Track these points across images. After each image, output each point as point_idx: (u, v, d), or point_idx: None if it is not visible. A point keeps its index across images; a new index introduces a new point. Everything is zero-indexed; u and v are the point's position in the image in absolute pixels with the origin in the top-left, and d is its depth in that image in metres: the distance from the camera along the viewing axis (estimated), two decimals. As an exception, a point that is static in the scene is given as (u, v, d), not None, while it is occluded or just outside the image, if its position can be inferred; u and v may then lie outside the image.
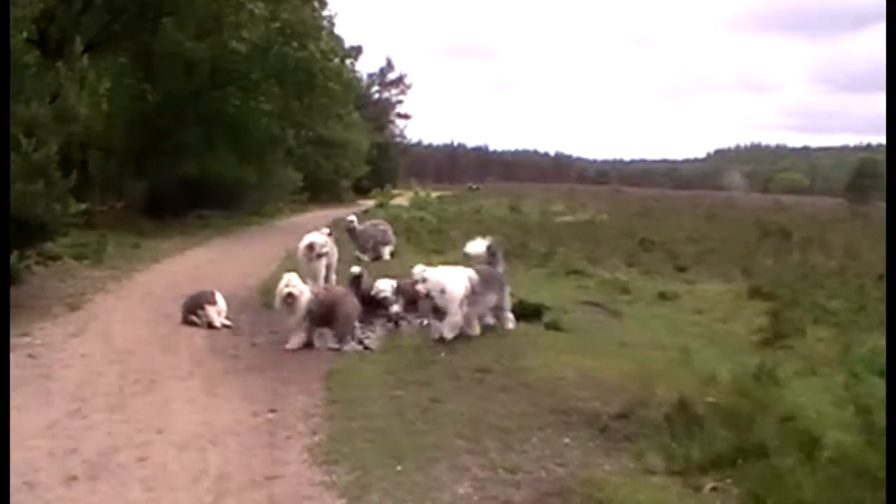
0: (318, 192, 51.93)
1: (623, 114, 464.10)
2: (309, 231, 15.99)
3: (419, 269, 11.11)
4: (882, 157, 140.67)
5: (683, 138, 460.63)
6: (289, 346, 10.58)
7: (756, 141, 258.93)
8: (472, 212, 42.18)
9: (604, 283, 16.86)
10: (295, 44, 29.19)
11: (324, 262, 15.03)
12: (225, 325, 12.36)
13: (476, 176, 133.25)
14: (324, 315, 10.64)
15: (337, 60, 32.07)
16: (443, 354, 10.18)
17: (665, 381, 8.65)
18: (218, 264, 19.76)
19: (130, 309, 13.53)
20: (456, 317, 10.60)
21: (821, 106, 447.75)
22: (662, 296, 15.73)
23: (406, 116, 79.69)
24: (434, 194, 62.89)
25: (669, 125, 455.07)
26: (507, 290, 11.79)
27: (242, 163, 32.35)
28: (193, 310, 12.54)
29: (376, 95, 75.75)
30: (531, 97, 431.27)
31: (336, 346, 10.60)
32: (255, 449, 6.94)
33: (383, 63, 76.20)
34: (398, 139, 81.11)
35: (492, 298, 11.26)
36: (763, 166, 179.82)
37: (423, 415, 7.80)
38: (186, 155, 28.55)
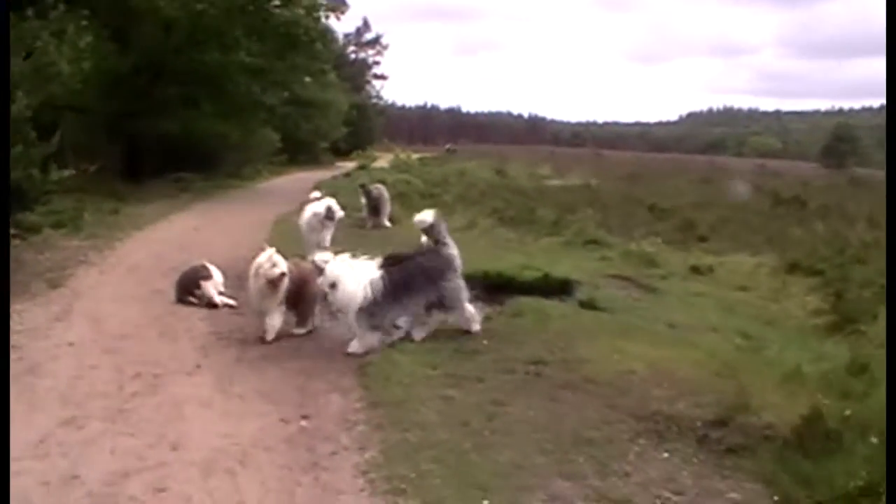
0: (296, 153, 50.45)
1: (597, 76, 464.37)
2: (293, 194, 14.78)
3: (320, 258, 9.18)
4: (858, 122, 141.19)
5: (656, 101, 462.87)
6: (268, 336, 9.21)
7: (728, 104, 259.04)
8: (457, 174, 40.77)
9: (627, 255, 15.66)
10: (276, 1, 27.74)
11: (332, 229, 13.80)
12: (227, 305, 10.98)
13: (449, 138, 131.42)
14: (291, 295, 9.31)
15: (321, 16, 30.44)
16: (486, 342, 8.93)
17: (745, 376, 7.44)
18: (205, 232, 18.39)
19: (117, 285, 12.20)
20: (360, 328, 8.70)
21: (792, 70, 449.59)
22: (695, 270, 14.57)
23: (383, 77, 77.94)
24: (414, 156, 61.46)
25: (642, 88, 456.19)
26: (457, 276, 9.18)
27: (223, 121, 30.69)
28: (189, 288, 11.22)
29: (353, 56, 73.81)
30: (505, 59, 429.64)
31: (301, 330, 9.50)
32: (296, 471, 5.68)
33: (359, 23, 74.44)
34: (375, 100, 79.26)
35: (417, 300, 8.97)
36: (736, 129, 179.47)
37: (490, 422, 6.56)
38: (165, 114, 26.90)
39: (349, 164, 52.53)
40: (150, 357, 8.40)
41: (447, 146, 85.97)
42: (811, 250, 16.82)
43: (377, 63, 75.77)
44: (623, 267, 14.63)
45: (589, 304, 11.30)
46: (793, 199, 26.72)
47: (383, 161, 53.89)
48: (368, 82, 75.31)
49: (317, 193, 16.48)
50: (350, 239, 14.67)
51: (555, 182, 37.15)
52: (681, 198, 28.13)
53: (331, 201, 14.26)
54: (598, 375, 7.79)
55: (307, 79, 35.37)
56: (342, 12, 32.62)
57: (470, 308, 9.23)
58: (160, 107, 27.02)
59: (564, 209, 23.15)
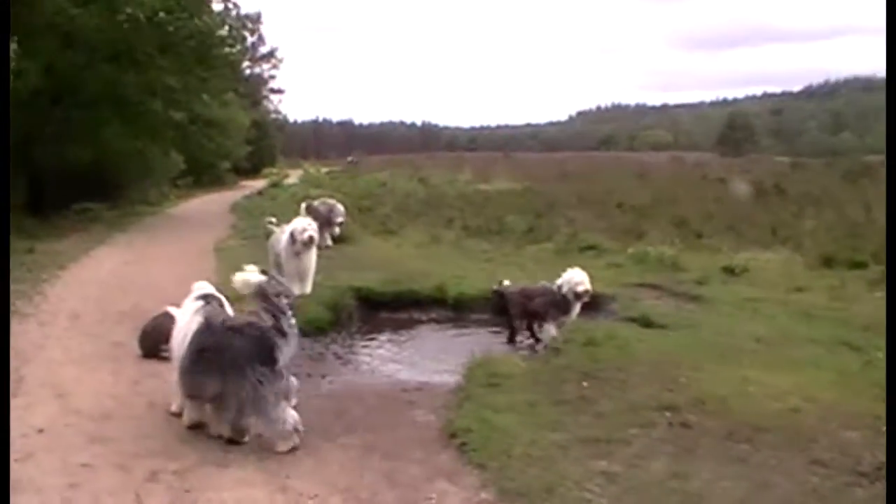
0: (199, 175, 47.53)
1: (485, 81, 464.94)
2: (213, 218, 12.78)
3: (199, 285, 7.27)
4: (745, 110, 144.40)
5: (545, 102, 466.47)
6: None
7: (616, 101, 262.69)
8: (378, 186, 38.83)
9: (642, 260, 14.03)
10: (185, 14, 25.31)
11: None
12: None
13: (344, 151, 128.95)
14: None
15: (231, 29, 28.19)
16: (585, 384, 7.09)
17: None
18: (139, 267, 16.04)
19: (67, 340, 9.92)
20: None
21: (675, 64, 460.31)
22: (729, 271, 13.06)
23: (280, 91, 74.65)
24: (323, 170, 59.16)
25: (530, 90, 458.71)
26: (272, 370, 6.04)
27: (137, 143, 28.07)
28: (157, 341, 9.01)
29: (248, 71, 70.71)
30: (394, 69, 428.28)
31: None
32: None
33: (254, 38, 71.19)
34: (274, 115, 76.30)
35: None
36: (626, 125, 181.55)
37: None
38: (72, 139, 24.13)
39: (255, 184, 49.89)
40: (156, 444, 6.27)
41: (349, 158, 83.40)
42: (835, 241, 15.52)
43: (273, 77, 72.72)
44: (642, 274, 13.00)
45: (644, 322, 9.70)
46: (773, 189, 25.61)
47: (293, 178, 51.41)
48: (266, 97, 72.19)
49: (272, 219, 14.43)
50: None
51: (486, 187, 35.41)
52: (638, 195, 26.73)
53: (308, 221, 12.11)
54: (758, 419, 6.15)
55: (228, 95, 32.78)
56: (256, 26, 30.18)
57: (284, 416, 6.12)
58: (65, 131, 24.27)
59: (532, 215, 21.42)
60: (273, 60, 71.33)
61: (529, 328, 9.99)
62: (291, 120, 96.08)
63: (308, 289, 11.66)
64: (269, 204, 30.61)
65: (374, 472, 5.61)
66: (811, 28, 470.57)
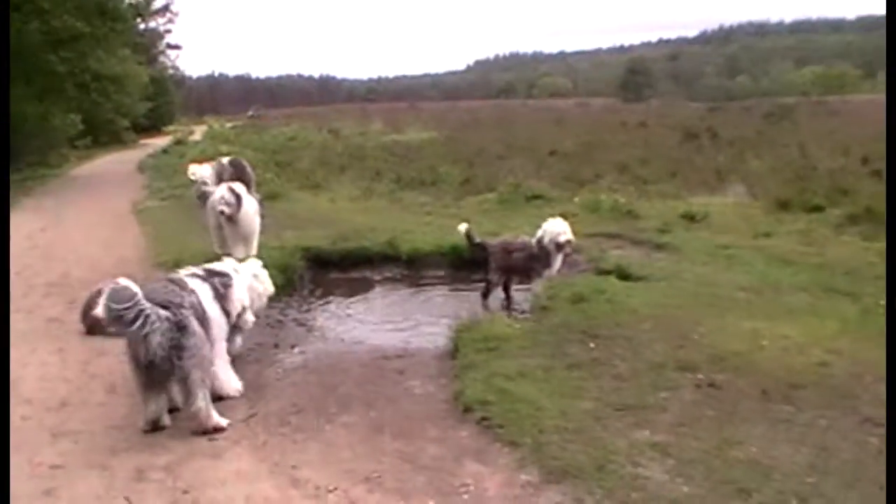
0: (97, 134, 45.40)
1: (380, 31, 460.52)
2: (121, 178, 12.03)
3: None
4: (646, 55, 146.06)
5: (442, 51, 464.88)
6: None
7: (514, 49, 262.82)
8: (288, 139, 37.74)
9: (595, 209, 13.61)
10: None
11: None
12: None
13: (241, 105, 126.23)
14: None
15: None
16: (592, 346, 6.61)
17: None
18: (58, 233, 14.95)
19: (-5, 317, 8.96)
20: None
21: (571, 12, 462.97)
22: (689, 217, 12.71)
23: (177, 47, 71.41)
24: (227, 125, 57.36)
25: (427, 39, 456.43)
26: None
27: (42, 101, 26.40)
28: (100, 318, 8.16)
29: (142, 25, 67.48)
30: (289, 21, 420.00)
31: None
32: None
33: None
34: (172, 71, 73.39)
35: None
36: (524, 73, 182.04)
37: (762, 479, 4.30)
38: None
39: (157, 142, 48.07)
40: (132, 435, 5.56)
41: (250, 113, 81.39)
42: (786, 184, 15.37)
43: (169, 32, 69.72)
44: (598, 223, 12.57)
45: (620, 274, 9.27)
46: (705, 131, 25.45)
47: (196, 135, 49.66)
48: (162, 53, 69.20)
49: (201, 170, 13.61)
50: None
51: (402, 137, 34.65)
52: (566, 141, 26.34)
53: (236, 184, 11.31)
54: (788, 376, 5.85)
55: (124, 50, 31.03)
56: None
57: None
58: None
59: (463, 165, 20.83)
60: (168, 14, 68.53)
61: (506, 285, 9.45)
62: (187, 75, 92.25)
63: (253, 251, 10.91)
64: (178, 161, 29.34)
65: (391, 456, 5.03)
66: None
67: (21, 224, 15.86)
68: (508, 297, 9.49)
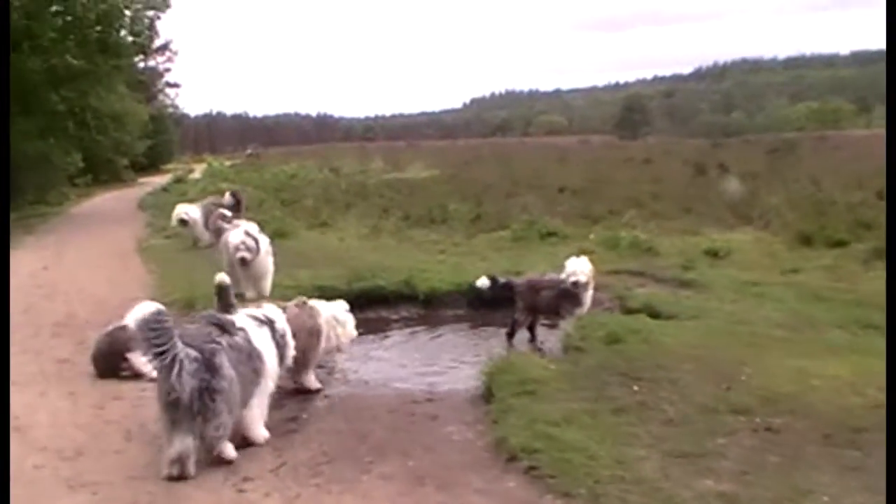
0: (97, 172, 45.15)
1: (376, 70, 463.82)
2: (123, 215, 11.81)
3: None
4: (642, 92, 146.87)
5: (438, 90, 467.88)
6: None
7: (510, 87, 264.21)
8: (289, 177, 37.49)
9: (614, 245, 13.36)
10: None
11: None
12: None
13: (238, 144, 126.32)
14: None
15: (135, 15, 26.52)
16: (636, 388, 6.30)
17: None
18: (61, 272, 14.62)
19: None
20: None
21: (566, 49, 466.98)
22: (712, 254, 12.45)
23: (176, 85, 71.41)
24: (227, 163, 57.23)
25: (423, 78, 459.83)
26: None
27: (44, 138, 26.15)
28: (115, 361, 7.90)
29: (142, 63, 67.42)
30: (285, 61, 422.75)
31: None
32: None
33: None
34: (171, 110, 73.30)
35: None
36: (520, 111, 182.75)
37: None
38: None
39: (155, 180, 47.80)
40: (156, 488, 5.21)
41: (248, 151, 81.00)
42: (805, 219, 15.11)
43: (168, 70, 69.74)
44: (618, 260, 12.30)
45: (650, 312, 8.97)
46: (716, 167, 25.26)
47: (196, 173, 49.48)
48: (162, 91, 69.18)
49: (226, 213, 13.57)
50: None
51: (406, 175, 34.44)
52: (571, 179, 26.11)
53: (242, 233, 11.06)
54: (848, 418, 5.61)
55: (122, 88, 30.87)
56: (163, 10, 28.37)
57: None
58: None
59: (472, 203, 20.55)
60: (168, 53, 68.55)
61: (531, 325, 9.14)
62: (186, 114, 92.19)
63: (267, 291, 10.63)
64: (179, 199, 29.06)
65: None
66: (698, 10, 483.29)
67: (23, 262, 15.54)
68: (533, 337, 9.17)
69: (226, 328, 5.60)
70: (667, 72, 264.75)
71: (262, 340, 5.81)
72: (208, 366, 5.19)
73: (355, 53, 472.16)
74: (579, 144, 59.45)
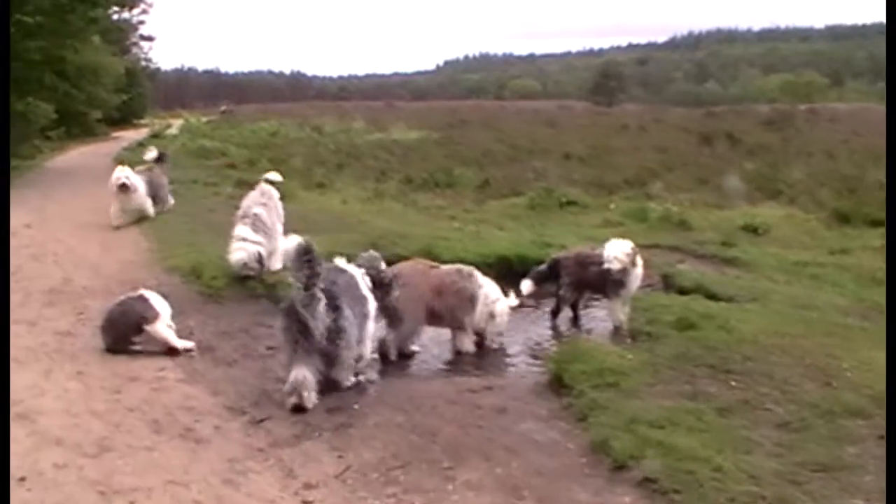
0: (69, 126, 43.78)
1: (353, 31, 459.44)
2: (103, 172, 11.19)
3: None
4: (616, 59, 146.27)
5: (413, 51, 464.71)
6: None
7: (484, 51, 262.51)
8: (269, 135, 36.56)
9: (643, 218, 12.68)
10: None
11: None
12: (187, 350, 7.07)
13: (209, 100, 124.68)
14: None
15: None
16: (733, 383, 5.62)
17: None
18: (47, 231, 13.65)
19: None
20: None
21: (541, 14, 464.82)
22: (751, 230, 11.77)
23: (150, 38, 69.29)
24: (203, 119, 56.00)
25: (397, 38, 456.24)
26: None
27: (19, 88, 24.96)
28: (127, 334, 7.15)
29: (116, 16, 65.23)
30: (259, 16, 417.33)
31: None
32: None
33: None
34: (145, 63, 71.40)
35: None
36: (494, 74, 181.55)
37: None
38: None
39: (129, 134, 46.61)
40: (201, 496, 4.48)
41: (223, 108, 79.64)
42: (837, 195, 14.53)
43: (142, 23, 67.73)
44: (651, 234, 11.63)
45: (705, 293, 8.28)
46: (726, 137, 24.57)
47: (174, 128, 48.30)
48: (136, 44, 67.14)
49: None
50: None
51: (393, 136, 33.58)
52: (570, 145, 25.41)
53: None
54: None
55: (95, 39, 29.62)
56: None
57: None
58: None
59: (475, 167, 19.81)
60: (143, 5, 66.38)
61: (575, 303, 8.43)
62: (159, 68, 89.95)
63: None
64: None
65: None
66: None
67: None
68: (576, 316, 8.48)
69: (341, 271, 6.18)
70: (641, 39, 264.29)
71: (364, 286, 6.29)
72: (334, 307, 5.64)
73: (329, 12, 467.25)
74: (559, 109, 58.59)
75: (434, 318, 7.24)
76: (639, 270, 8.02)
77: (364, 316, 6.13)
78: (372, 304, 6.33)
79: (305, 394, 5.57)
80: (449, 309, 7.18)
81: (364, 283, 6.33)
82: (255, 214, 9.39)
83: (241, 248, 9.04)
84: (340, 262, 6.41)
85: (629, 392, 5.48)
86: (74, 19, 24.02)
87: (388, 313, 6.98)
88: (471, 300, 7.24)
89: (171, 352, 7.01)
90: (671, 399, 5.36)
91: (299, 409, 5.54)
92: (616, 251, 7.86)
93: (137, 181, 13.51)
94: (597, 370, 5.79)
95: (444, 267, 7.52)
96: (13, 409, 5.64)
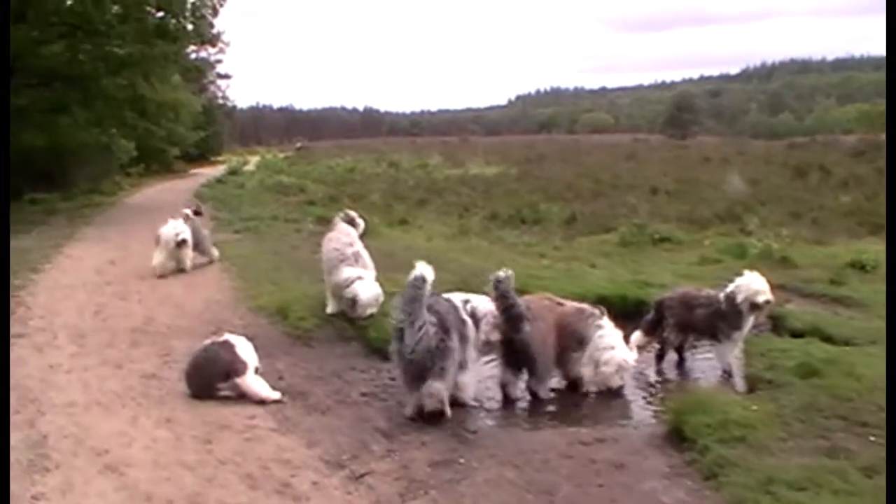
0: (148, 163, 44.70)
1: (425, 66, 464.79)
2: (178, 209, 13.18)
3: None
4: (688, 91, 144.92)
5: (484, 86, 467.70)
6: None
7: (555, 85, 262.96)
8: (346, 171, 36.69)
9: (742, 255, 12.22)
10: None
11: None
12: (276, 401, 6.75)
13: (283, 137, 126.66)
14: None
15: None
16: (872, 439, 5.14)
17: None
18: (127, 267, 13.68)
19: (78, 373, 7.67)
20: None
21: (612, 47, 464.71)
22: (858, 267, 11.21)
23: (226, 77, 70.56)
24: (280, 155, 56.77)
25: (469, 74, 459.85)
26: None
27: (101, 127, 25.44)
28: (212, 383, 6.89)
29: (193, 54, 66.52)
30: (331, 54, 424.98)
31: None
32: None
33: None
34: (222, 101, 72.73)
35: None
36: (566, 108, 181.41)
37: None
38: (24, 123, 21.36)
39: (206, 171, 47.32)
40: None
41: (297, 144, 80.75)
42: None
43: (219, 62, 69.00)
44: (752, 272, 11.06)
45: (820, 335, 7.76)
46: (818, 169, 23.88)
47: (250, 165, 48.93)
48: (213, 82, 68.39)
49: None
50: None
51: (471, 172, 33.40)
52: (657, 179, 24.90)
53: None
54: None
55: (175, 78, 30.17)
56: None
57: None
58: (16, 114, 21.52)
59: (560, 202, 19.45)
60: (220, 44, 67.52)
61: (680, 346, 7.99)
62: (235, 106, 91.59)
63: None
64: (238, 192, 28.32)
65: None
66: (743, 10, 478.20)
67: (86, 255, 14.66)
68: (682, 360, 8.04)
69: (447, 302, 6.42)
70: (714, 71, 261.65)
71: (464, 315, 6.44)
72: (443, 328, 5.99)
73: (400, 48, 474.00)
74: (634, 143, 57.95)
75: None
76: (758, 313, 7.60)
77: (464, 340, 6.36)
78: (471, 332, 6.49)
79: (443, 403, 6.02)
80: (562, 349, 6.89)
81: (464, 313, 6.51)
82: (357, 253, 9.10)
83: (369, 286, 8.76)
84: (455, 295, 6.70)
85: (759, 447, 5.04)
86: (155, 54, 24.32)
87: (517, 349, 6.75)
88: (580, 342, 6.91)
89: (260, 401, 6.76)
90: (808, 456, 4.91)
91: (439, 414, 5.99)
92: (760, 285, 7.44)
93: (188, 234, 13.15)
94: (720, 422, 5.36)
95: (570, 304, 7.22)
96: (101, 460, 5.44)
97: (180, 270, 12.92)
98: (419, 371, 5.99)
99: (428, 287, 6.01)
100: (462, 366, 6.29)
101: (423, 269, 6.02)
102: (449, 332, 6.05)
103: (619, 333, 7.10)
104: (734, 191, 18.75)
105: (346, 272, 8.73)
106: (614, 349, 6.94)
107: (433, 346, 5.94)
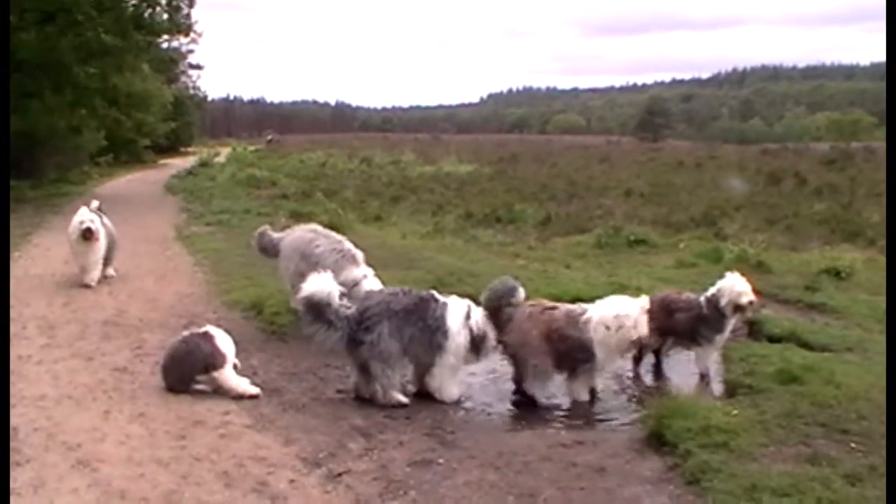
0: (118, 153, 44.23)
1: (397, 62, 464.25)
2: (152, 199, 10.85)
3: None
4: (659, 95, 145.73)
5: (456, 84, 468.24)
6: None
7: (528, 84, 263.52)
8: (318, 166, 36.53)
9: (717, 259, 12.22)
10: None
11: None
12: (252, 396, 6.66)
13: (254, 129, 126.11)
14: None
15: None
16: (853, 446, 5.16)
17: None
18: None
19: (48, 365, 7.57)
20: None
21: (585, 49, 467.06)
22: (833, 273, 11.27)
23: (199, 67, 69.86)
24: (250, 148, 56.44)
25: (440, 71, 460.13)
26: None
27: (73, 114, 25.16)
28: (189, 376, 6.80)
29: (165, 44, 65.81)
30: (304, 48, 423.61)
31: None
32: None
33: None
34: (193, 92, 72.14)
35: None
36: (537, 108, 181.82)
37: None
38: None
39: (177, 162, 46.96)
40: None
41: (268, 137, 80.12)
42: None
43: (191, 52, 68.36)
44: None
45: (798, 341, 7.80)
46: (793, 176, 24.03)
47: (222, 156, 48.58)
48: (184, 72, 67.71)
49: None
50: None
51: (444, 169, 33.31)
52: (629, 180, 25.01)
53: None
54: None
55: (145, 68, 29.94)
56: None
57: None
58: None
59: (534, 203, 19.46)
60: (192, 34, 66.74)
61: (658, 349, 7.97)
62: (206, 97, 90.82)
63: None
64: (210, 185, 28.10)
65: None
66: (716, 16, 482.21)
67: (54, 245, 14.34)
68: (659, 364, 8.03)
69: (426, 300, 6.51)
70: (685, 75, 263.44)
71: (455, 321, 6.43)
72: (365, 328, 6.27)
73: (373, 43, 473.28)
74: (607, 145, 58.22)
75: (557, 364, 6.70)
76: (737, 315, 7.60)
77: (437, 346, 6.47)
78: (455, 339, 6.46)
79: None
80: (565, 354, 6.65)
81: (456, 319, 6.48)
82: (348, 249, 8.97)
83: (377, 286, 8.60)
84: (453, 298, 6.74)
85: (742, 453, 5.03)
86: (129, 45, 24.09)
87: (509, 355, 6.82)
88: (583, 347, 6.63)
89: (238, 396, 6.67)
90: (790, 463, 4.90)
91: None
92: (743, 286, 7.43)
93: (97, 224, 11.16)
94: (702, 427, 5.34)
95: (562, 307, 6.91)
96: (73, 455, 5.35)
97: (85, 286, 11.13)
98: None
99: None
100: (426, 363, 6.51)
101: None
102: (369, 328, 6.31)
103: None
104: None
105: (354, 272, 8.61)
106: None
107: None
